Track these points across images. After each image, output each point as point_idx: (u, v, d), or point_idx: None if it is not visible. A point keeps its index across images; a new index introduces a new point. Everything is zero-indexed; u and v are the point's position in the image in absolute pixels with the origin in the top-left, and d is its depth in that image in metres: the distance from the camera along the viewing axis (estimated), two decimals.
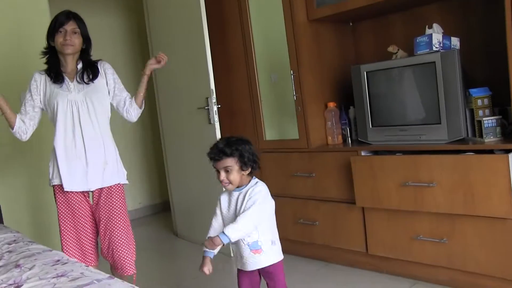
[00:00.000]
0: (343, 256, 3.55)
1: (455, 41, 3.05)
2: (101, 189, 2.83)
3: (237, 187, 2.43)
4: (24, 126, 2.79)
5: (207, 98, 3.95)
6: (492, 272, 2.77)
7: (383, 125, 3.28)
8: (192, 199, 4.53)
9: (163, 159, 5.03)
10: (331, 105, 3.66)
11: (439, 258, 2.97)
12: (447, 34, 3.06)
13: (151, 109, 5.88)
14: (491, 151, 2.71)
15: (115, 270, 2.88)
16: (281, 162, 3.85)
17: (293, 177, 3.75)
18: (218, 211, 2.54)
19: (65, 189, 2.75)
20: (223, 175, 2.39)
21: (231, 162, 2.37)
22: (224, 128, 4.07)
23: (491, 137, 2.75)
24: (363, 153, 3.29)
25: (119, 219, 2.84)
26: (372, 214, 3.27)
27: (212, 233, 2.53)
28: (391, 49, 3.33)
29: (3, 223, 3.38)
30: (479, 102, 2.82)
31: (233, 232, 2.31)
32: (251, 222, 2.32)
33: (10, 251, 2.48)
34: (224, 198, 2.52)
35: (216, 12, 4.17)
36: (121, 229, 2.84)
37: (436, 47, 2.97)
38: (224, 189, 2.51)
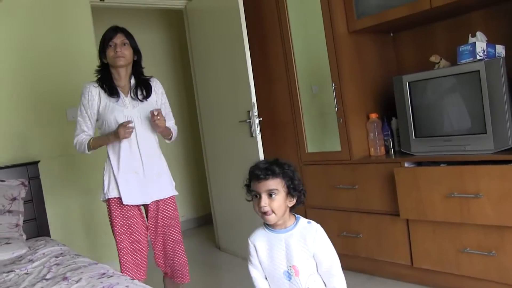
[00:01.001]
0: (387, 269, 3.50)
1: (500, 49, 2.99)
2: (157, 201, 2.90)
3: (277, 224, 1.96)
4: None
5: (248, 111, 3.98)
6: None
7: (427, 136, 3.23)
8: (234, 212, 4.55)
9: (205, 172, 5.07)
10: (373, 116, 3.63)
11: (488, 271, 2.89)
12: (491, 42, 3.00)
13: (192, 123, 5.96)
14: None
15: (172, 278, 2.96)
16: (323, 175, 3.83)
17: (336, 189, 3.72)
18: (255, 260, 2.01)
19: (124, 203, 2.79)
20: (265, 200, 1.88)
21: (278, 185, 1.89)
22: (265, 141, 4.08)
23: None
24: (406, 164, 3.25)
25: (176, 229, 2.94)
26: (417, 226, 3.22)
27: None
28: (433, 58, 3.29)
29: (50, 236, 3.47)
30: None
31: None
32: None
33: (57, 264, 2.54)
34: (261, 242, 1.99)
35: (256, 25, 4.21)
36: (178, 239, 2.95)
37: (480, 56, 2.91)
38: (258, 230, 2.03)
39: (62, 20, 4.13)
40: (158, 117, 2.73)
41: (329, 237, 3.89)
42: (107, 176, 2.85)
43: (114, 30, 2.81)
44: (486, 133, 2.88)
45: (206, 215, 6.00)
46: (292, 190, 1.92)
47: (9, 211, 3.33)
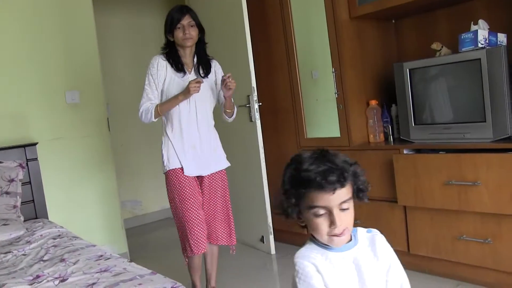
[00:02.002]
0: None
1: (502, 37, 2.97)
2: (214, 173, 3.10)
3: None
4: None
5: (248, 95, 3.97)
6: None
7: (426, 123, 3.23)
8: (234, 197, 4.53)
9: None
10: (373, 103, 3.62)
11: (484, 259, 2.91)
12: (493, 30, 2.99)
13: None
14: None
15: (222, 242, 3.17)
16: None
17: None
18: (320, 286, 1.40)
19: (185, 173, 2.94)
20: (340, 217, 1.36)
21: (349, 192, 1.40)
22: (265, 126, 4.08)
23: None
24: (405, 152, 3.25)
25: (229, 198, 3.20)
26: (415, 213, 3.23)
27: None
28: (434, 46, 3.27)
29: (48, 218, 3.48)
30: None
31: None
32: None
33: (55, 246, 2.56)
34: (324, 265, 1.42)
35: (257, 10, 4.18)
36: (230, 207, 3.21)
37: (482, 44, 2.90)
38: (308, 248, 1.47)
39: (63, 2, 4.11)
40: (230, 80, 2.90)
41: None
42: (167, 149, 2.99)
43: (182, 12, 2.95)
44: (485, 121, 2.88)
45: None
46: (360, 192, 1.43)
47: (7, 193, 3.34)
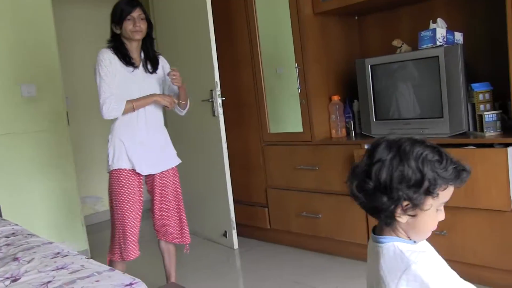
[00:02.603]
0: (347, 249, 3.56)
1: (459, 36, 3.04)
2: (164, 171, 3.03)
3: None
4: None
5: (211, 90, 3.96)
6: (490, 263, 2.80)
7: (387, 119, 3.28)
8: (195, 192, 4.54)
9: None
10: (335, 98, 3.65)
11: (440, 250, 2.89)
12: (451, 29, 3.05)
13: None
14: (491, 145, 2.71)
15: (175, 241, 3.12)
16: (285, 155, 3.85)
17: (297, 170, 3.75)
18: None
19: (137, 171, 2.87)
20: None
21: None
22: (228, 120, 4.08)
23: (492, 131, 2.76)
24: (366, 146, 3.29)
25: (180, 196, 3.16)
26: None
27: None
28: (395, 43, 3.32)
29: (1, 216, 3.37)
30: (481, 96, 2.82)
31: None
32: None
33: (8, 244, 2.44)
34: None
35: (221, 4, 4.16)
36: (182, 204, 3.16)
37: (440, 42, 2.96)
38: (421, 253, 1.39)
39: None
40: (174, 74, 2.88)
41: (288, 217, 3.96)
42: (113, 147, 2.89)
43: (132, 4, 2.85)
44: (443, 117, 2.94)
45: None
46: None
47: None
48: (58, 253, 2.24)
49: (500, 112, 2.80)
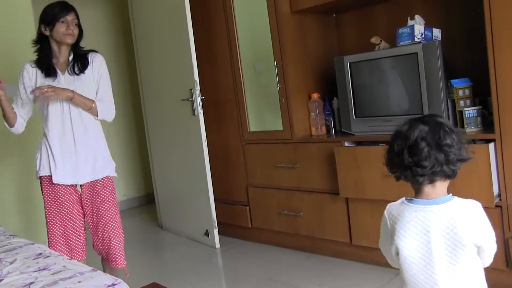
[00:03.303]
0: (328, 247, 3.57)
1: (437, 33, 3.07)
2: (92, 182, 2.85)
3: None
4: (22, 120, 2.83)
5: (191, 89, 3.94)
6: None
7: (367, 116, 3.30)
8: (176, 191, 4.53)
9: (147, 151, 5.01)
10: (315, 96, 3.66)
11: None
12: (429, 26, 3.07)
13: (134, 101, 5.87)
14: (472, 141, 2.73)
15: (107, 263, 2.90)
16: (265, 153, 3.85)
17: (277, 168, 3.75)
18: None
19: (54, 181, 2.75)
20: None
21: None
22: (208, 119, 4.07)
23: (472, 127, 2.78)
24: (346, 144, 3.31)
25: (111, 211, 2.86)
26: (356, 204, 3.29)
27: None
28: (373, 40, 3.33)
29: None
30: (460, 92, 2.85)
31: None
32: None
33: None
34: None
35: (200, 3, 4.15)
36: (113, 222, 2.86)
37: (418, 38, 2.98)
38: None
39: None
40: (41, 91, 2.62)
41: (269, 216, 3.96)
42: (39, 154, 2.82)
43: (67, 7, 2.77)
44: (423, 113, 2.96)
45: (149, 194, 5.94)
46: None
47: None
48: (40, 254, 2.22)
49: (480, 108, 2.82)
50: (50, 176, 2.77)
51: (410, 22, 3.06)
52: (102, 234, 2.86)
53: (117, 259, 2.86)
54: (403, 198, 1.63)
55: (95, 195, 2.85)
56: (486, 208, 2.67)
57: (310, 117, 3.68)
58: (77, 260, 2.73)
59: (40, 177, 2.82)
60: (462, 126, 2.81)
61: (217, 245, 4.04)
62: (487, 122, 2.86)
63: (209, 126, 4.10)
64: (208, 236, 4.09)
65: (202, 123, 3.92)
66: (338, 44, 3.94)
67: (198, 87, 3.89)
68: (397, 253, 1.58)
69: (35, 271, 2.00)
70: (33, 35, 3.97)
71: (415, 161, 1.51)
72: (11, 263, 2.12)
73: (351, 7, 3.71)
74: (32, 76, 2.78)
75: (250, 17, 3.97)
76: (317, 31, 3.82)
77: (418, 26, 3.00)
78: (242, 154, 4.06)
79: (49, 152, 2.77)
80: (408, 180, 1.58)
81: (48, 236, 2.80)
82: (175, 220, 4.64)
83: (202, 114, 3.92)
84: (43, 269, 2.02)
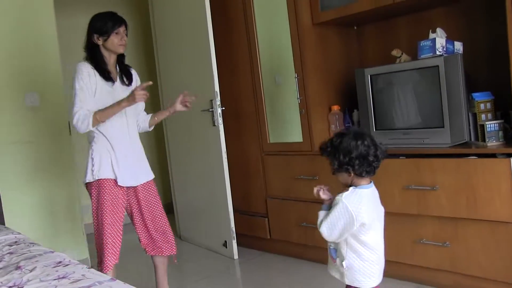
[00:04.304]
0: None
1: (458, 46, 3.05)
2: (147, 182, 3.05)
3: None
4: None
5: (211, 100, 3.96)
6: (494, 276, 2.76)
7: (387, 129, 3.28)
8: (195, 202, 4.54)
9: (166, 161, 5.04)
10: (335, 108, 3.66)
11: (442, 261, 2.96)
12: (450, 39, 3.06)
13: (155, 110, 5.88)
14: (493, 155, 2.70)
15: (163, 253, 3.10)
16: (285, 165, 3.85)
17: (297, 180, 3.75)
18: None
19: (118, 183, 2.86)
20: None
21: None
22: (227, 130, 4.08)
23: (494, 141, 2.75)
24: None
25: (161, 207, 3.12)
26: None
27: None
28: (395, 52, 3.33)
29: (4, 224, 3.38)
30: (482, 106, 2.82)
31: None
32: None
33: (11, 253, 2.47)
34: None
35: (221, 15, 4.18)
36: (165, 215, 3.13)
37: (440, 51, 2.97)
38: None
39: (22, 3, 4.03)
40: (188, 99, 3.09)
41: (288, 228, 3.94)
42: (99, 157, 2.87)
43: (121, 19, 2.93)
44: (443, 127, 2.94)
45: (168, 204, 5.94)
46: None
47: None
48: (60, 262, 2.24)
49: (502, 122, 2.79)
50: (111, 179, 2.85)
51: (431, 35, 3.05)
52: (160, 226, 3.07)
53: (173, 245, 3.11)
54: (352, 189, 2.21)
55: (150, 193, 3.04)
56: (507, 223, 2.67)
57: (330, 129, 3.68)
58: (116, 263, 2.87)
59: (99, 180, 2.85)
60: (484, 140, 2.78)
61: (236, 256, 4.03)
62: (508, 136, 2.83)
63: (229, 137, 4.11)
64: (226, 247, 4.09)
65: (222, 133, 3.94)
66: (359, 57, 3.94)
67: (218, 98, 3.91)
68: (362, 225, 2.13)
69: (55, 279, 2.02)
70: (54, 31, 4.09)
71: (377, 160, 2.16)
72: (30, 271, 2.14)
73: (372, 19, 3.71)
74: (91, 76, 2.85)
75: (271, 29, 3.99)
76: (338, 43, 3.82)
77: (439, 39, 2.98)
78: (261, 165, 4.06)
79: (112, 155, 2.87)
80: (366, 173, 2.18)
81: (104, 241, 2.83)
82: (193, 231, 4.65)
83: (222, 125, 3.94)
84: (63, 277, 2.04)
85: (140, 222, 3.04)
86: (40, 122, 4.07)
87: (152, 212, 3.05)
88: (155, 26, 4.83)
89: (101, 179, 2.85)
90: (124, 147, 2.93)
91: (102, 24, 2.88)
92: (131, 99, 2.77)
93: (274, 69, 4.01)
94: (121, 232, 2.91)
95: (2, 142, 3.85)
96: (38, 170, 4.06)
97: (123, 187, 2.91)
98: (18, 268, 2.20)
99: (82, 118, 2.78)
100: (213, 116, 3.98)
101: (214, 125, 3.97)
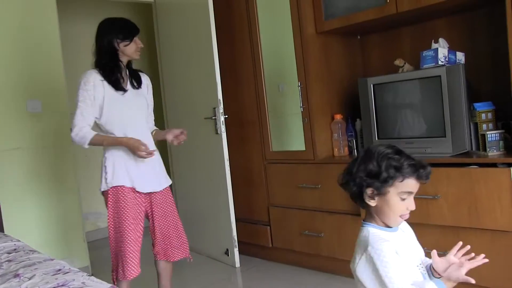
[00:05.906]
0: (349, 268, 3.52)
1: (460, 56, 3.06)
2: (166, 188, 3.06)
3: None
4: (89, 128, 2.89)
5: (214, 108, 3.97)
6: (495, 285, 2.75)
7: (389, 138, 3.28)
8: (197, 209, 4.54)
9: (169, 168, 5.04)
10: (338, 117, 3.66)
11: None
12: (453, 49, 3.07)
13: (157, 118, 5.88)
14: (494, 165, 2.70)
15: (174, 258, 3.08)
16: (288, 173, 3.85)
17: (299, 189, 3.75)
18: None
19: (137, 189, 2.87)
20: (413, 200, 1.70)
21: None
22: (230, 138, 4.09)
23: (495, 150, 2.76)
24: None
25: (177, 211, 3.12)
26: None
27: None
28: (397, 62, 3.34)
29: (3, 232, 3.36)
30: (483, 116, 2.83)
31: None
32: None
33: (9, 260, 2.44)
34: (397, 243, 1.72)
35: (224, 23, 4.20)
36: (179, 219, 3.13)
37: (442, 61, 2.97)
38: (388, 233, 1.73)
39: (25, 10, 4.05)
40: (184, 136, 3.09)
41: (290, 236, 3.93)
42: (111, 164, 2.86)
43: (137, 29, 2.97)
44: (445, 136, 2.94)
45: None
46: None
47: None
48: (59, 269, 2.23)
49: (503, 132, 2.80)
50: (125, 186, 2.84)
51: (434, 45, 3.06)
52: (174, 231, 3.06)
53: (187, 249, 3.12)
54: (375, 226, 1.75)
55: (167, 198, 3.05)
56: (507, 232, 2.66)
57: (333, 138, 3.68)
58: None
59: (115, 188, 2.84)
60: (484, 149, 2.78)
61: (237, 264, 4.03)
62: (509, 146, 2.84)
63: (232, 145, 4.12)
64: (228, 255, 4.09)
65: (225, 141, 3.94)
66: (362, 66, 3.94)
67: (221, 106, 3.92)
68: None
69: (54, 287, 2.01)
70: (57, 37, 4.08)
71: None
72: (29, 279, 2.12)
73: (375, 29, 3.72)
74: (98, 86, 2.81)
75: (275, 38, 4.00)
76: (342, 52, 3.83)
77: (442, 49, 2.99)
78: (264, 173, 4.06)
79: (127, 161, 2.85)
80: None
81: (122, 246, 2.82)
82: (195, 238, 4.63)
83: (225, 133, 3.94)
84: (62, 285, 2.03)
85: (156, 228, 3.02)
86: (41, 129, 4.07)
87: (170, 214, 3.05)
88: (159, 33, 4.84)
89: (116, 186, 2.83)
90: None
91: (127, 29, 2.92)
92: (133, 149, 2.79)
93: (277, 78, 4.02)
94: (141, 240, 2.89)
95: (3, 148, 3.86)
96: (40, 177, 4.07)
97: (141, 193, 2.91)
98: (16, 276, 2.17)
99: (81, 135, 2.80)
100: (215, 124, 3.98)
101: (217, 133, 3.98)
